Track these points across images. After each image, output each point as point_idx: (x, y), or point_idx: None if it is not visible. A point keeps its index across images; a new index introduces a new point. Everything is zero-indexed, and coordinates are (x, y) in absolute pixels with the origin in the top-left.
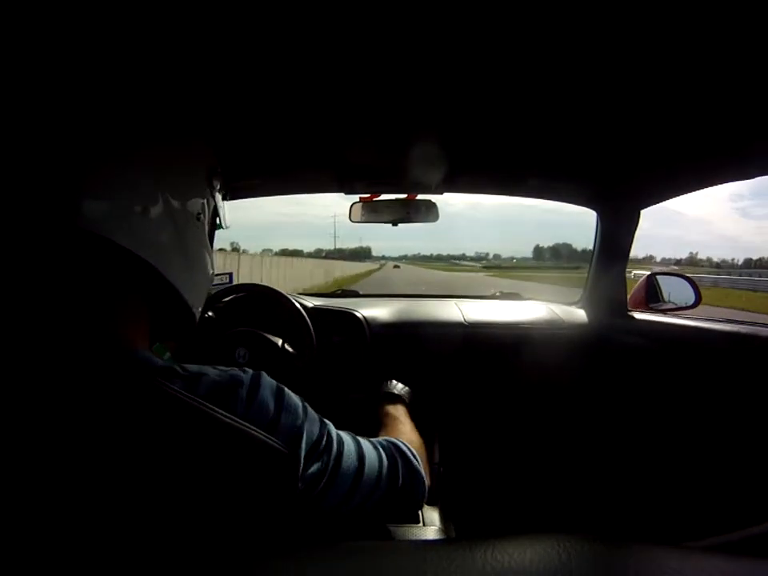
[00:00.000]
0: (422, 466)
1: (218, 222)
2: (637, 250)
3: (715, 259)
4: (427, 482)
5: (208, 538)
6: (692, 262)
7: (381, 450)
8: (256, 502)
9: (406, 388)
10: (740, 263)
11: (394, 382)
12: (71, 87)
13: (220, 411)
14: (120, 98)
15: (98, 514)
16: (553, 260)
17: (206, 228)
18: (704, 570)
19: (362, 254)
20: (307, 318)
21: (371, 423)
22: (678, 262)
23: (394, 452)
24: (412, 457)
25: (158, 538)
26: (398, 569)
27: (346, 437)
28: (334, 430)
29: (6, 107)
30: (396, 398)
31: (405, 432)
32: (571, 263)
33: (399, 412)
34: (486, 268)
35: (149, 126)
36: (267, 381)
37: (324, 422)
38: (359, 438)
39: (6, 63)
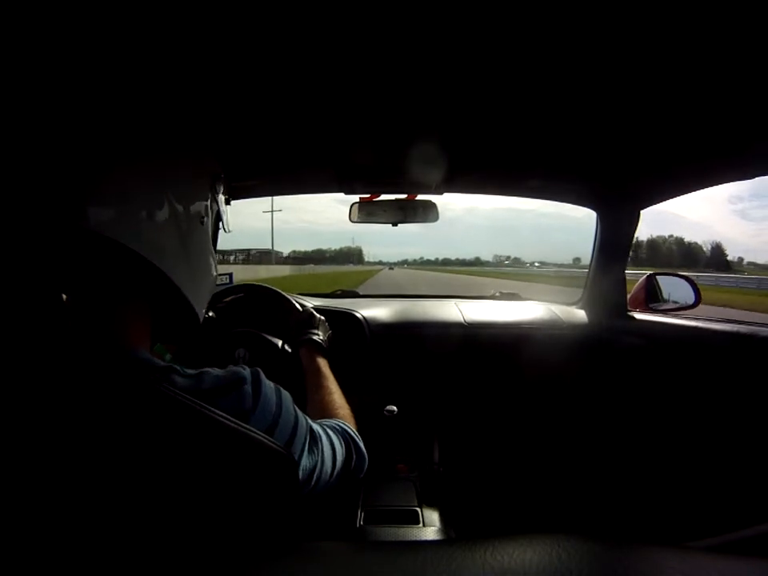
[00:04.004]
0: (362, 443)
1: (220, 225)
2: (731, 251)
3: None
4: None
5: (209, 538)
6: None
7: (339, 437)
8: (257, 502)
9: (329, 331)
10: None
11: (317, 315)
12: (79, 95)
13: (220, 414)
14: (126, 104)
15: (98, 512)
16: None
17: (210, 232)
18: (704, 570)
19: (351, 257)
20: None
21: (296, 369)
22: None
23: (348, 439)
24: (359, 441)
25: (157, 537)
26: (398, 569)
27: (317, 427)
28: (313, 423)
29: (16, 113)
30: (318, 346)
31: (338, 403)
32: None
33: (324, 367)
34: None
35: (154, 130)
36: (264, 377)
37: (305, 416)
38: (325, 426)
39: (16, 72)
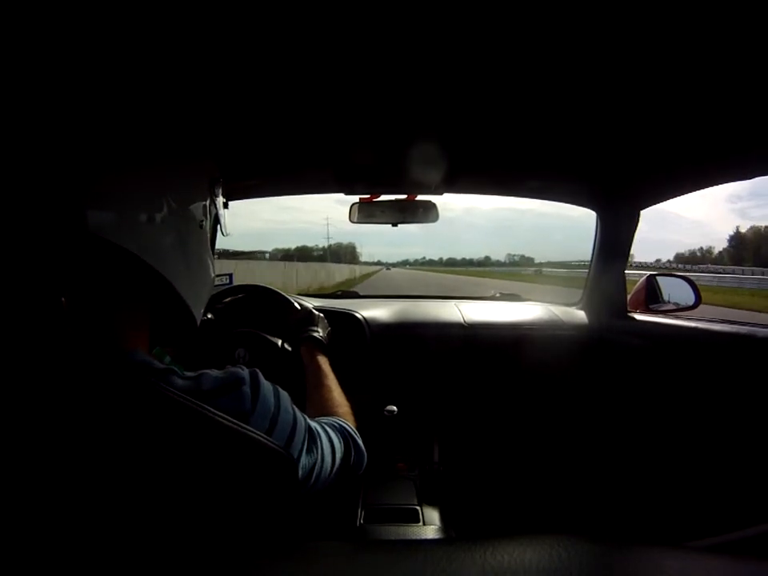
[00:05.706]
0: (360, 440)
1: (218, 228)
2: None
3: None
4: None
5: (209, 538)
6: None
7: (338, 434)
8: (257, 502)
9: (328, 328)
10: None
11: (316, 313)
12: (80, 99)
13: (220, 414)
14: (126, 107)
15: (97, 514)
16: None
17: (208, 234)
18: (704, 570)
19: (341, 256)
20: None
21: (295, 368)
22: None
23: (347, 436)
24: (358, 438)
25: (157, 538)
26: (398, 568)
27: (316, 426)
28: (311, 422)
29: (17, 116)
30: (318, 343)
31: (338, 401)
32: None
33: (324, 365)
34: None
35: (153, 133)
36: (262, 377)
37: (304, 415)
38: (323, 424)
39: (18, 76)
